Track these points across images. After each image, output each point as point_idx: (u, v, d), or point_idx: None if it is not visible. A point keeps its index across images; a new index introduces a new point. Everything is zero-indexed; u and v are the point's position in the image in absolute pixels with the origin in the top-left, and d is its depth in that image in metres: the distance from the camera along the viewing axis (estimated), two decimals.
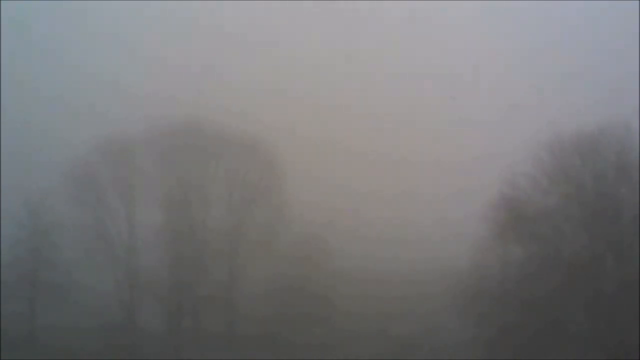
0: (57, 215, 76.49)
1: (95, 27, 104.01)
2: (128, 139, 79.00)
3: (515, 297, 59.80)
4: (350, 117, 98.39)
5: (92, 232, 78.26)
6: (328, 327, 76.46)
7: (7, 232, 74.32)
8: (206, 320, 78.88)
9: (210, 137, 79.76)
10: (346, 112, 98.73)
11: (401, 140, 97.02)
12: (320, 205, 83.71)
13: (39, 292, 75.14)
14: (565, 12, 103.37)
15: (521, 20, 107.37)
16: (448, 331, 68.59)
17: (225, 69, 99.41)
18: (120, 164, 78.95)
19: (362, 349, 73.46)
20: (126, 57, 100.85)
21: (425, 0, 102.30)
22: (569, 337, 58.77)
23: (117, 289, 78.52)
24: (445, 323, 68.32)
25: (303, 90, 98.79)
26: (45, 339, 73.34)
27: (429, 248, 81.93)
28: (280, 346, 73.74)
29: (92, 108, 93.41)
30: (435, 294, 70.58)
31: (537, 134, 63.04)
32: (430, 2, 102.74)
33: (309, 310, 77.16)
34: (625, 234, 58.58)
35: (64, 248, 76.25)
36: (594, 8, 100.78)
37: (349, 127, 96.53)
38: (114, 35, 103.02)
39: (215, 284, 79.38)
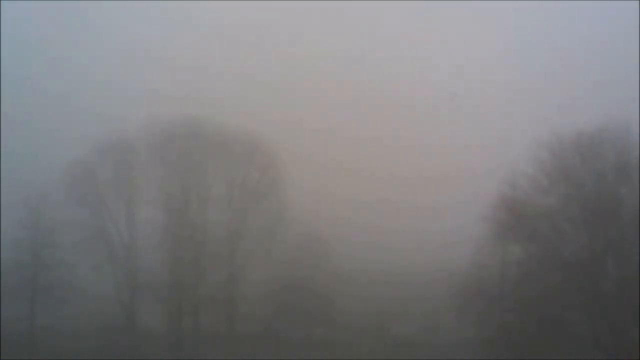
0: (57, 215, 76.47)
1: (94, 26, 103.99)
2: (128, 139, 79.02)
3: (514, 297, 59.85)
4: (351, 117, 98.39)
5: (92, 232, 78.26)
6: (328, 328, 76.50)
7: (7, 231, 74.29)
8: (206, 320, 78.88)
9: (210, 137, 79.76)
10: (347, 113, 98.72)
11: (402, 139, 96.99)
12: (320, 205, 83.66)
13: (39, 292, 75.15)
14: (566, 12, 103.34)
15: (521, 20, 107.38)
16: (448, 331, 68.66)
17: (225, 69, 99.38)
18: (120, 164, 78.98)
19: (362, 348, 73.53)
20: (126, 57, 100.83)
21: (425, 0, 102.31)
22: (569, 337, 58.80)
23: (117, 289, 78.53)
24: (444, 322, 68.37)
25: (304, 90, 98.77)
26: (45, 338, 73.33)
27: (428, 247, 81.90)
28: (280, 346, 73.77)
29: (92, 108, 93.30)
30: (435, 294, 70.57)
31: (537, 134, 62.98)
32: (430, 1, 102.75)
33: (308, 310, 77.18)
34: (625, 234, 58.60)
35: (64, 248, 76.22)
36: (594, 8, 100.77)
37: (349, 126, 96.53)
38: (113, 35, 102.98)
39: (215, 284, 79.36)
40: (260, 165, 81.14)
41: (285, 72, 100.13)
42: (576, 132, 61.22)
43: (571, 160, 60.87)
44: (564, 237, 60.46)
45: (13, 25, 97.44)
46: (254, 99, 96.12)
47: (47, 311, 74.50)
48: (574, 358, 57.56)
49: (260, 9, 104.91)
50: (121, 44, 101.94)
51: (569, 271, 58.95)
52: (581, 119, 65.08)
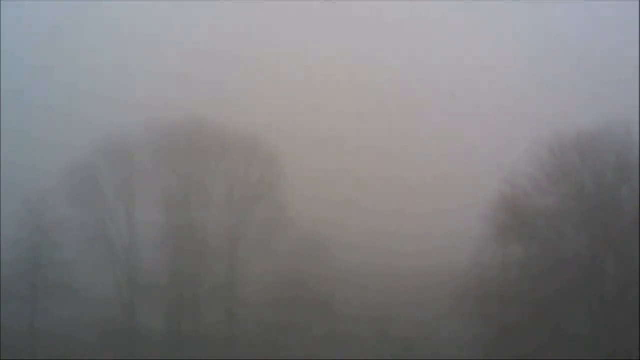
0: (57, 215, 76.51)
1: (94, 28, 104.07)
2: (128, 139, 79.02)
3: (515, 298, 59.84)
4: (351, 115, 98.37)
5: (92, 232, 78.30)
6: (328, 327, 76.48)
7: (7, 231, 74.27)
8: (206, 320, 78.89)
9: (210, 137, 79.80)
10: (346, 111, 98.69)
11: (402, 140, 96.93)
12: (320, 204, 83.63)
13: (39, 292, 75.15)
14: (565, 12, 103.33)
15: (521, 20, 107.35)
16: (449, 331, 68.62)
17: (224, 69, 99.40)
18: (120, 164, 79.01)
19: (362, 348, 73.51)
20: (126, 58, 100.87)
21: (425, 0, 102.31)
22: (570, 337, 58.83)
23: (117, 290, 78.55)
24: (446, 323, 68.33)
25: (303, 89, 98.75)
26: (45, 338, 73.35)
27: (429, 248, 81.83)
28: (280, 346, 73.75)
29: (92, 109, 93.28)
30: (435, 294, 70.52)
31: (537, 134, 62.97)
32: (430, 2, 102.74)
33: (309, 309, 77.13)
34: (625, 234, 58.62)
35: (64, 248, 76.25)
36: (594, 8, 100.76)
37: (349, 126, 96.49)
38: (113, 36, 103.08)
39: (215, 284, 79.39)
40: (260, 166, 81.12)
41: (285, 73, 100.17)
42: (576, 132, 61.26)
43: (571, 160, 60.93)
44: (564, 237, 60.51)
45: (14, 29, 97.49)
46: (254, 99, 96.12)
47: (47, 311, 74.54)
48: (574, 358, 57.57)
49: (260, 10, 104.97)
50: (121, 45, 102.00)
51: (569, 271, 58.95)
52: (581, 119, 65.11)
